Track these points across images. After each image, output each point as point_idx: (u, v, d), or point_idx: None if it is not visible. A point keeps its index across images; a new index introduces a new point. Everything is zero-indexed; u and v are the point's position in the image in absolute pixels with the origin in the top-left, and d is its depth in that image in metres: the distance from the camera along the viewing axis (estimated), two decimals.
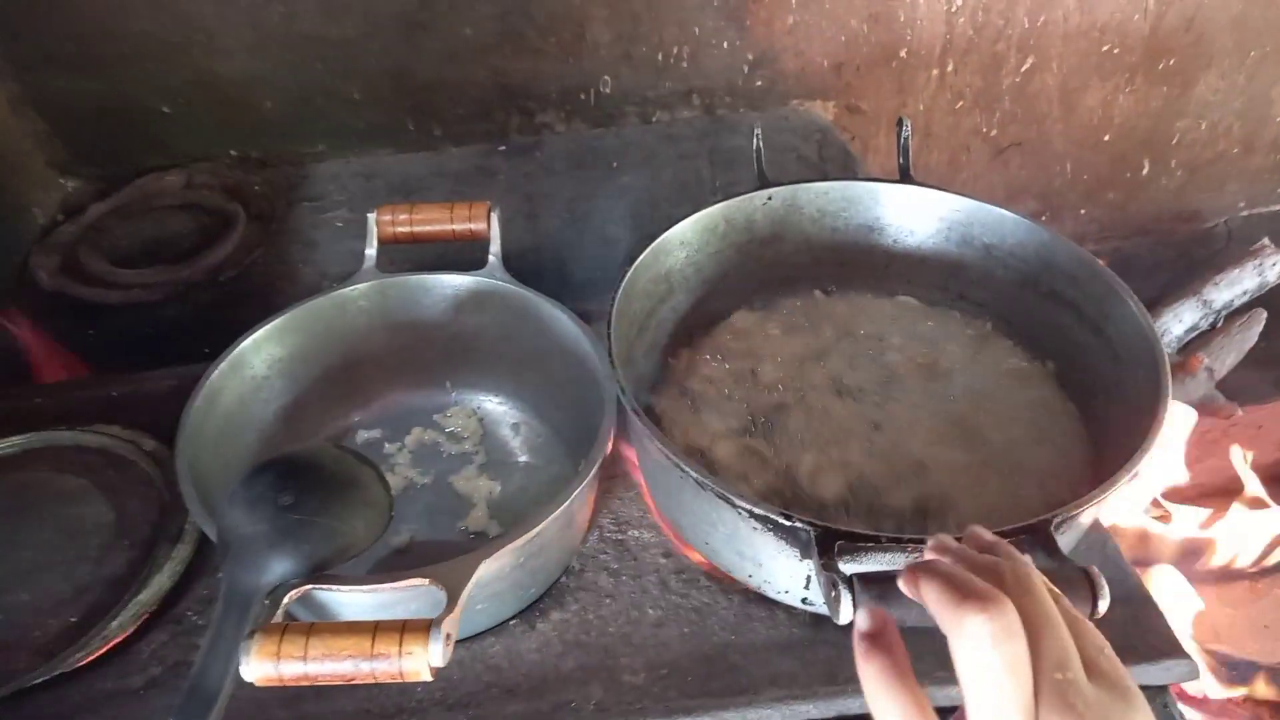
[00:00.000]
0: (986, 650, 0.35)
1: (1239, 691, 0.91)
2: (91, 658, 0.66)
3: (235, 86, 1.12)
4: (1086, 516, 0.60)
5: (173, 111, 1.13)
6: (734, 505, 0.59)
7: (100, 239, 1.09)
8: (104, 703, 0.65)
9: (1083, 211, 1.37)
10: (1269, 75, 1.28)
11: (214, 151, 1.16)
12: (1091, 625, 0.39)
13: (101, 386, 0.89)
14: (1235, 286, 1.29)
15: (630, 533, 0.74)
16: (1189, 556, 0.93)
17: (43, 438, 0.81)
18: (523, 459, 0.80)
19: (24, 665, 0.65)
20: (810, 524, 0.55)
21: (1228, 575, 0.93)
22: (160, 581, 0.70)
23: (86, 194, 1.15)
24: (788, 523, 0.56)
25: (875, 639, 0.39)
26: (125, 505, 0.76)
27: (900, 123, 0.85)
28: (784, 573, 0.62)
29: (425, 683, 0.65)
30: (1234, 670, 0.89)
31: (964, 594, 0.36)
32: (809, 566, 0.60)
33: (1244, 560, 0.95)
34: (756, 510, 0.58)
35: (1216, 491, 1.07)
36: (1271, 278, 1.30)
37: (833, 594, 0.49)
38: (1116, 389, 0.71)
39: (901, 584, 0.41)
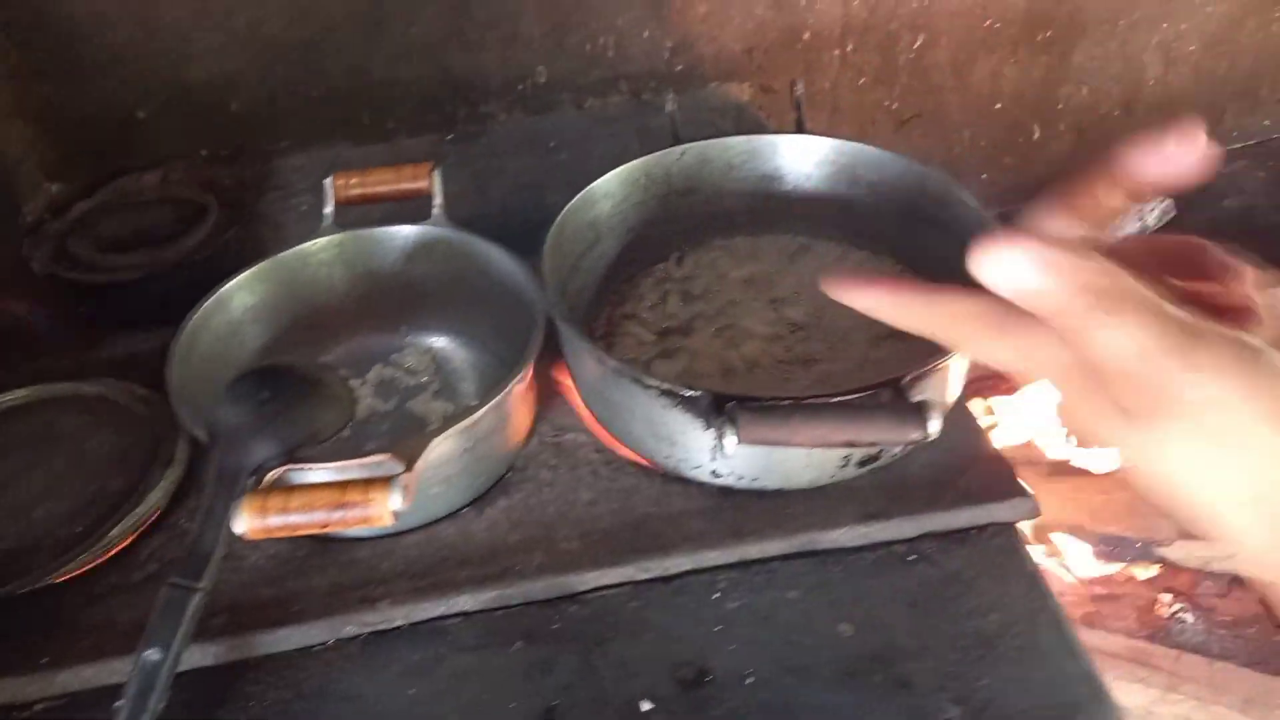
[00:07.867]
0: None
1: (1117, 567, 1.03)
2: (98, 561, 0.77)
3: (205, 90, 1.23)
4: (937, 377, 0.71)
5: (148, 116, 1.24)
6: (645, 386, 0.71)
7: (86, 231, 1.19)
8: (109, 594, 0.75)
9: (984, 176, 1.51)
10: (1140, 41, 1.42)
11: (187, 151, 1.27)
12: None
13: (96, 349, 0.99)
14: (1117, 233, 1.41)
15: (566, 436, 0.85)
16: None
17: (47, 389, 0.91)
18: (472, 384, 0.91)
19: (40, 566, 0.76)
20: (706, 390, 0.67)
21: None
22: (155, 498, 0.80)
23: (70, 195, 1.25)
24: (689, 393, 0.68)
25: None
26: (122, 440, 0.86)
27: (794, 83, 0.99)
28: (694, 447, 0.74)
29: (391, 560, 0.75)
30: (1110, 547, 1.01)
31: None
32: (713, 436, 0.71)
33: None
34: (663, 386, 0.70)
35: None
36: (1151, 222, 1.43)
37: (718, 426, 0.60)
38: None
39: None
